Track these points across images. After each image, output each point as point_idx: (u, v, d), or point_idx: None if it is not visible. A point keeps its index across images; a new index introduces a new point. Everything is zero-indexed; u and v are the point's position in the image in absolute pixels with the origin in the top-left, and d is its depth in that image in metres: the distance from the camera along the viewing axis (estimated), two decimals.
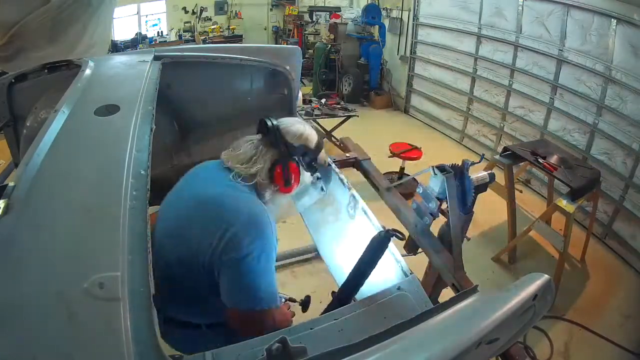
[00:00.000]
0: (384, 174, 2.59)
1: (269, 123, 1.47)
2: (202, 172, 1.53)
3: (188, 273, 1.33)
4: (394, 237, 1.40)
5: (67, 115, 1.29)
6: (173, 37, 10.18)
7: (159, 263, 1.43)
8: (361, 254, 1.41)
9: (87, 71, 1.66)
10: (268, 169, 1.45)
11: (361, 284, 1.40)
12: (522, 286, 1.00)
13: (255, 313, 1.28)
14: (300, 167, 1.54)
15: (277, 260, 1.79)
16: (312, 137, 1.57)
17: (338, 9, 9.38)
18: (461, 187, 1.91)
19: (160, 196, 1.44)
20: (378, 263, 1.39)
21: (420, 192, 2.02)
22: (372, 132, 6.70)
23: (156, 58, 1.89)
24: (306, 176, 1.60)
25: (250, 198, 1.39)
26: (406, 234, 2.19)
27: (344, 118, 6.01)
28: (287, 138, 1.49)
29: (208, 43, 9.42)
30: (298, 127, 1.55)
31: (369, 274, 1.39)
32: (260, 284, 1.28)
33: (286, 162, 1.47)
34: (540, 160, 3.65)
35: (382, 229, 1.45)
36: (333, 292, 1.52)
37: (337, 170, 2.11)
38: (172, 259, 1.35)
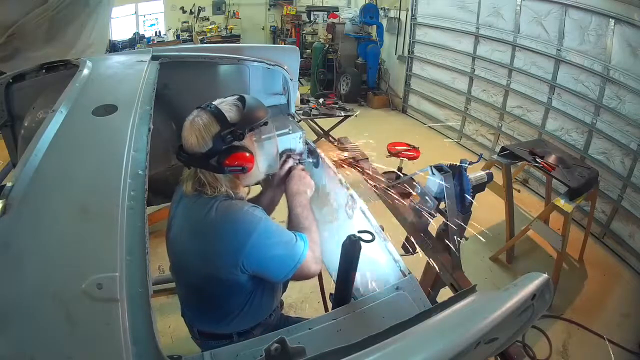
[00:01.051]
0: (382, 173, 2.59)
1: (181, 156, 1.41)
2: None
3: (211, 288, 1.43)
4: (363, 241, 1.35)
5: (64, 115, 1.28)
6: (171, 37, 10.18)
7: (181, 283, 1.58)
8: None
9: (85, 71, 1.65)
10: (218, 182, 1.41)
11: (350, 288, 1.41)
12: (520, 285, 1.00)
13: (298, 269, 1.38)
14: (242, 148, 1.40)
15: None
16: (213, 120, 1.37)
17: (336, 8, 9.40)
18: (459, 186, 1.91)
19: (158, 196, 1.44)
20: (358, 266, 1.39)
21: (419, 191, 2.03)
22: (370, 131, 6.67)
23: (154, 58, 1.88)
24: (261, 145, 1.50)
25: (235, 206, 1.40)
26: (404, 233, 2.19)
27: (341, 118, 6.00)
28: (197, 150, 1.36)
29: (206, 43, 9.41)
30: (190, 127, 1.38)
31: (353, 277, 1.40)
32: (279, 251, 1.36)
33: (218, 166, 1.37)
34: (538, 160, 3.65)
35: (354, 235, 1.44)
36: (331, 294, 1.52)
37: (334, 169, 2.11)
38: (195, 279, 1.46)
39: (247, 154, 1.39)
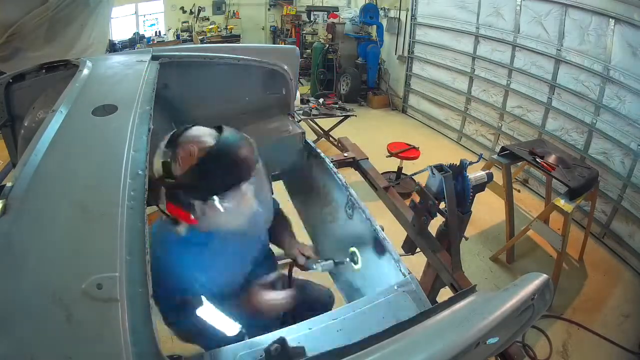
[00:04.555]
0: (382, 173, 2.59)
1: None
2: None
3: None
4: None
5: (64, 115, 1.28)
6: (171, 37, 10.18)
7: None
8: None
9: (85, 71, 1.66)
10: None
11: None
12: (520, 286, 1.00)
13: None
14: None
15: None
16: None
17: (336, 8, 9.40)
18: (459, 186, 1.91)
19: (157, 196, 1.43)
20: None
21: (419, 191, 2.02)
22: (369, 131, 6.71)
23: (154, 58, 1.88)
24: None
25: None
26: (404, 233, 2.19)
27: (341, 118, 6.01)
28: None
29: (206, 43, 9.41)
30: None
31: None
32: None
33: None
34: (539, 160, 3.66)
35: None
36: None
37: (335, 170, 2.11)
38: None
39: (176, 206, 1.20)
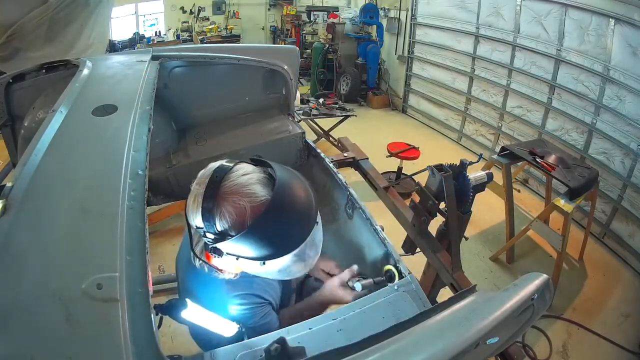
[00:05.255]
0: (382, 173, 2.59)
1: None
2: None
3: None
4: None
5: (64, 115, 1.29)
6: (171, 37, 10.17)
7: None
8: None
9: (85, 71, 1.66)
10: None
11: None
12: (520, 286, 1.00)
13: None
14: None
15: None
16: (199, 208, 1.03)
17: (336, 8, 9.40)
18: (459, 186, 1.91)
19: (158, 196, 1.44)
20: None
21: (419, 191, 2.02)
22: (369, 131, 6.72)
23: (154, 58, 1.88)
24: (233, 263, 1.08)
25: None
26: (404, 233, 2.19)
27: (341, 118, 6.01)
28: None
29: (206, 43, 9.41)
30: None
31: None
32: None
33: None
34: (538, 160, 3.65)
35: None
36: None
37: (335, 170, 2.11)
38: None
39: (223, 261, 1.08)
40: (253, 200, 1.00)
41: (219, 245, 1.03)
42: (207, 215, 1.01)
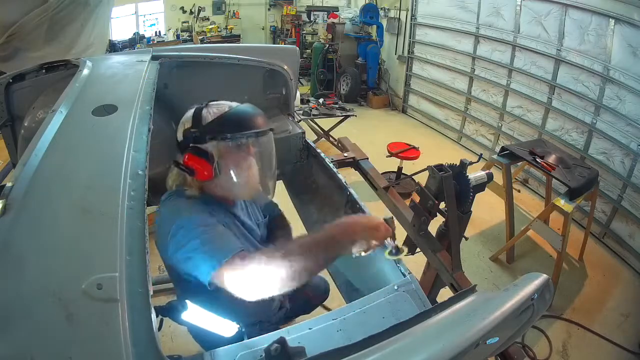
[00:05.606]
0: (382, 173, 2.59)
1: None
2: None
3: (178, 285, 1.44)
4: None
5: (64, 115, 1.28)
6: (171, 37, 10.18)
7: None
8: None
9: (85, 71, 1.66)
10: (175, 174, 1.44)
11: None
12: (520, 286, 1.00)
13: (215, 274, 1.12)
14: (202, 152, 1.34)
15: None
16: (190, 117, 1.39)
17: (336, 8, 9.41)
18: (459, 186, 1.91)
19: (158, 196, 1.43)
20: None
21: (418, 191, 2.02)
22: (369, 131, 6.72)
23: (154, 58, 1.88)
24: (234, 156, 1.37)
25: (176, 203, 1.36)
26: (404, 233, 2.19)
27: (341, 118, 6.01)
28: (179, 134, 1.41)
29: (206, 43, 9.41)
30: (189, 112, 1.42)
31: None
32: (195, 253, 1.17)
33: (180, 159, 1.37)
34: (538, 160, 3.65)
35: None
36: None
37: (335, 170, 2.12)
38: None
39: (201, 159, 1.32)
40: (229, 106, 1.40)
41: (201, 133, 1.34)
42: (197, 116, 1.36)
